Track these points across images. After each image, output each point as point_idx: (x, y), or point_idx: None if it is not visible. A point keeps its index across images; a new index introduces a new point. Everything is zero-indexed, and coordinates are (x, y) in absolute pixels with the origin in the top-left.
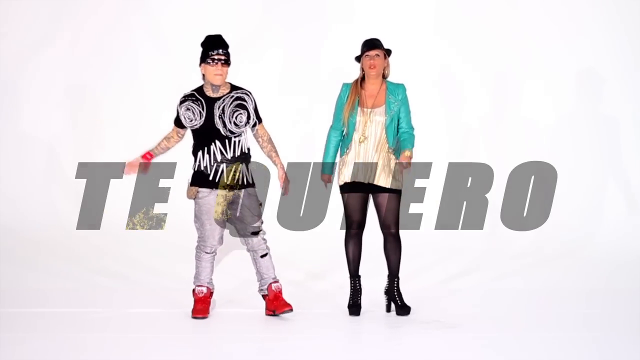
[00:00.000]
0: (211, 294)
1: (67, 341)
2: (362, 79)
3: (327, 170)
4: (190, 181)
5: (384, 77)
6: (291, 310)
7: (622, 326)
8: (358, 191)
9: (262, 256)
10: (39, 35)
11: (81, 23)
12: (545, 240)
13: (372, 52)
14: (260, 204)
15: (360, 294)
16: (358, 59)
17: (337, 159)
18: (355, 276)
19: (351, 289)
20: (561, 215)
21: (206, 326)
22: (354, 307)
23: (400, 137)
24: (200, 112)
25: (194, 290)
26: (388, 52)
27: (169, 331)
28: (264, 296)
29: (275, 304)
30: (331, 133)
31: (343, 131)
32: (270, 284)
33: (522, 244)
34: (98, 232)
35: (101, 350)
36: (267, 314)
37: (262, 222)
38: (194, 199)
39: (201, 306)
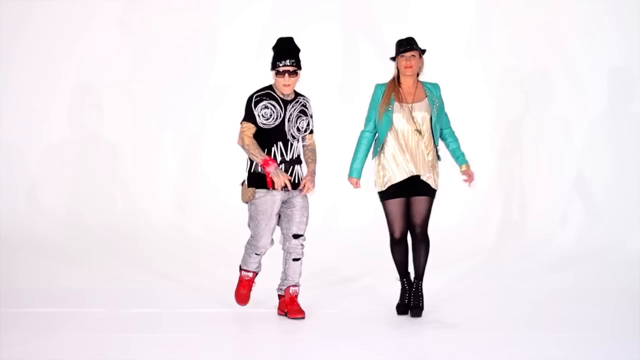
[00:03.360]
0: (255, 274)
1: (67, 341)
2: (397, 78)
3: (355, 173)
4: (246, 183)
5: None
6: (303, 317)
7: (623, 327)
8: (398, 196)
9: (295, 259)
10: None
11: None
12: (562, 241)
13: (408, 54)
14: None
15: (411, 292)
16: (393, 58)
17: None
18: (404, 276)
19: (401, 288)
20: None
21: (211, 325)
22: (401, 307)
23: (448, 141)
24: (278, 112)
25: (240, 275)
26: (422, 52)
27: (170, 331)
28: (279, 296)
29: (290, 308)
30: (363, 135)
31: (375, 134)
32: (290, 286)
33: (534, 246)
34: (98, 232)
35: (101, 350)
36: (279, 314)
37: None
38: (251, 200)
39: (244, 291)
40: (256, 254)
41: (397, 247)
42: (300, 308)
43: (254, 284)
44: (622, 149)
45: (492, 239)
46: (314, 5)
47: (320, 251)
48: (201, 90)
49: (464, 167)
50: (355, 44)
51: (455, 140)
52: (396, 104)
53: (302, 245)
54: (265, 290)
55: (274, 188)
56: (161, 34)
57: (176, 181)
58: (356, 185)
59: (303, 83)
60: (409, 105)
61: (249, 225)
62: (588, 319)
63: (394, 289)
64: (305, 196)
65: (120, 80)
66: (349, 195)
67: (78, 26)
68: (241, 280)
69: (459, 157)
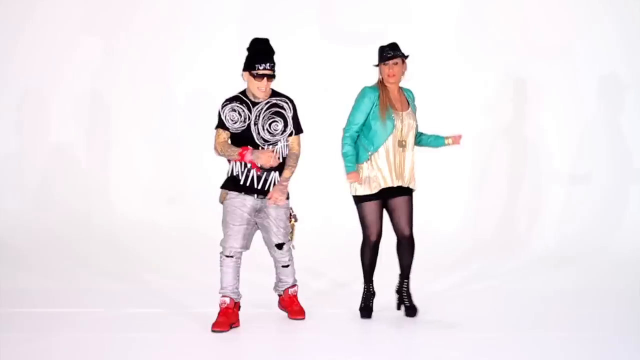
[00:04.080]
0: (236, 305)
1: (67, 341)
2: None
3: (353, 168)
4: (222, 185)
5: None
6: (303, 318)
7: (623, 326)
8: (376, 199)
9: (284, 266)
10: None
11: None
12: (553, 242)
13: (391, 62)
14: (296, 219)
15: (373, 297)
16: (377, 65)
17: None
18: (369, 282)
19: (364, 292)
20: (575, 220)
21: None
22: (366, 310)
23: (420, 138)
24: (246, 115)
25: (219, 302)
26: (405, 57)
27: (170, 331)
28: (279, 295)
29: (290, 308)
30: (350, 136)
31: (357, 136)
32: (288, 288)
33: (528, 246)
34: (98, 232)
35: (101, 350)
36: (280, 308)
37: (289, 240)
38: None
39: (222, 319)
40: (226, 255)
41: (371, 251)
42: (301, 308)
43: (234, 315)
44: (622, 148)
45: (491, 239)
46: (295, 6)
47: (320, 251)
48: (183, 94)
49: (449, 140)
50: (340, 45)
51: (421, 133)
52: (393, 111)
53: (289, 249)
54: (265, 291)
55: (245, 192)
56: (141, 37)
57: (177, 182)
58: (358, 179)
59: (288, 85)
60: (400, 113)
61: (222, 228)
62: (589, 319)
63: (393, 289)
64: (280, 205)
65: (104, 85)
66: (348, 195)
67: (56, 32)
68: (220, 307)
69: (437, 138)
